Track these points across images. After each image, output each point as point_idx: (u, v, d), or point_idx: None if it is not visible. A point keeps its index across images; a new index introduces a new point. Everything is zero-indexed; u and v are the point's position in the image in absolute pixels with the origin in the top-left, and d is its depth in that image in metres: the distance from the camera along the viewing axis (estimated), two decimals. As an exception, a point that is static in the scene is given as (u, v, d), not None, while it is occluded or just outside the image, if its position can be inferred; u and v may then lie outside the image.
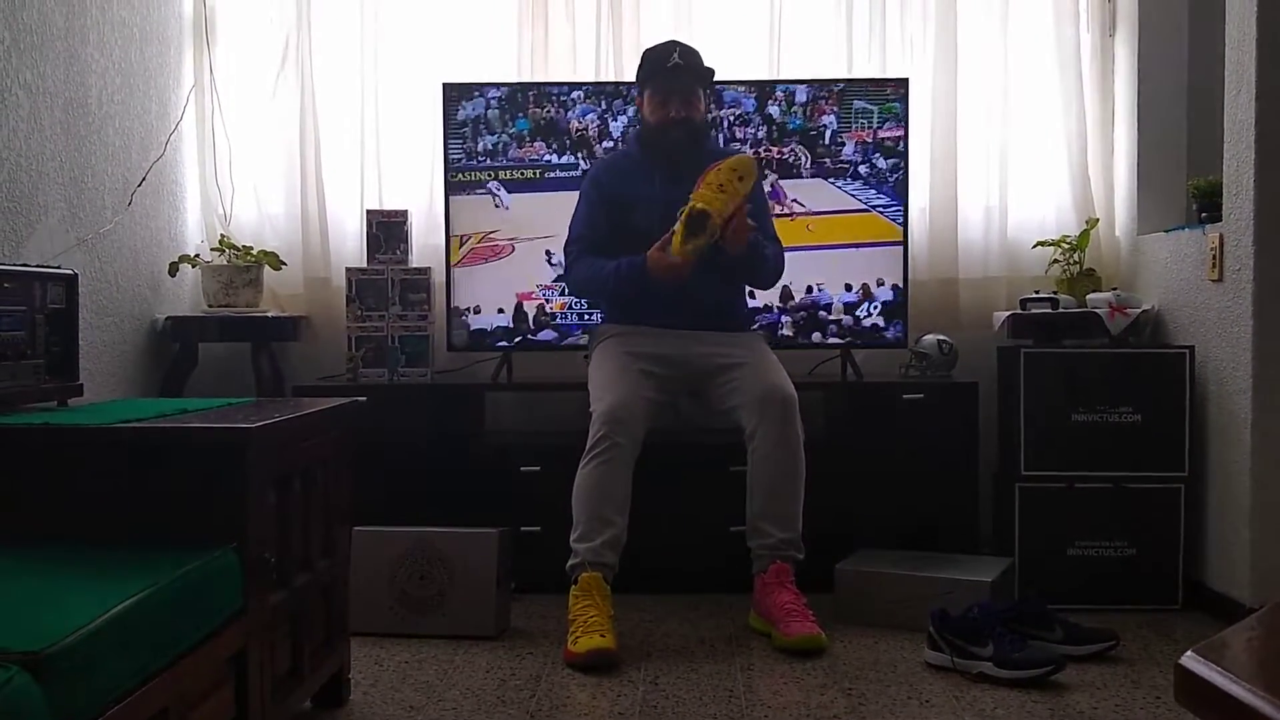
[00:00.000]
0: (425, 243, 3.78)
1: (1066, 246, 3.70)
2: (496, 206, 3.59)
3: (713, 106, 3.51)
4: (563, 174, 3.56)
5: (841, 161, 3.60)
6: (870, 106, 3.59)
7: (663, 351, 3.14)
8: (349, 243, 3.86)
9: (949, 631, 2.69)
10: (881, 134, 3.58)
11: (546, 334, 3.62)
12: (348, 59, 3.85)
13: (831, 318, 3.62)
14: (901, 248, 3.59)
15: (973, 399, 3.45)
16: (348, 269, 3.67)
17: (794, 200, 3.59)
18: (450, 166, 3.59)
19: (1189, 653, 1.32)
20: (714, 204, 2.91)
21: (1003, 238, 3.82)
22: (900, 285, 3.59)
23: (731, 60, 3.70)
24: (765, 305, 3.59)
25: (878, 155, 3.59)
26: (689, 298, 3.12)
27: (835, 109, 3.58)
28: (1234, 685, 1.23)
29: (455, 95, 3.59)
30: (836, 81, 3.62)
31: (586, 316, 3.59)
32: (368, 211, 3.73)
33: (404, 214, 3.68)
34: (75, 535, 1.92)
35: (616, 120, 3.57)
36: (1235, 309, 3.03)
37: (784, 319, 3.63)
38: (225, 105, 3.83)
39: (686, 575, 3.38)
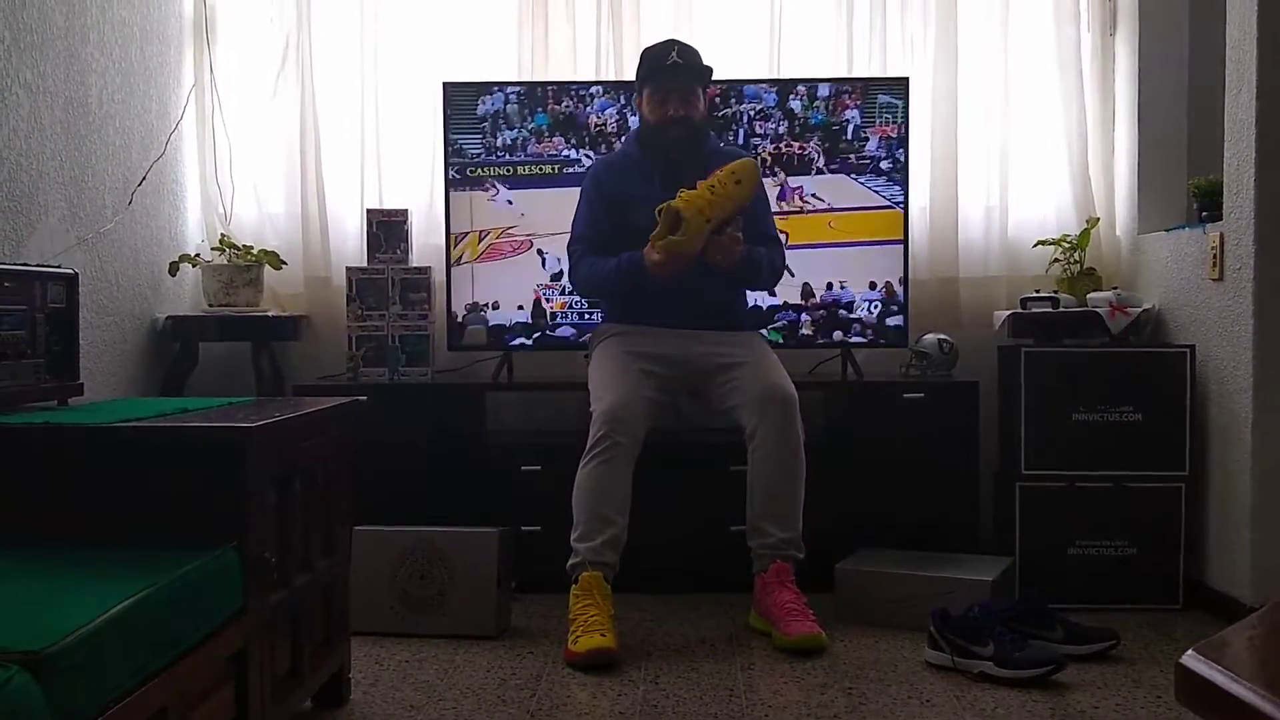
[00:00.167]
0: (425, 242, 3.78)
1: (1067, 246, 3.70)
2: (509, 203, 3.59)
3: (733, 102, 3.51)
4: (580, 170, 3.55)
5: (864, 157, 3.59)
6: (895, 101, 3.59)
7: (663, 351, 3.14)
8: (349, 242, 3.86)
9: (950, 631, 2.69)
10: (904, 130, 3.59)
11: (565, 330, 3.61)
12: (348, 58, 3.85)
13: (854, 316, 3.61)
14: (901, 246, 3.59)
15: (973, 398, 3.45)
16: (348, 268, 3.67)
17: (812, 195, 3.58)
18: (466, 162, 3.58)
19: (1190, 652, 1.32)
20: (694, 203, 2.92)
21: (1003, 237, 3.81)
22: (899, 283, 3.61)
23: (732, 59, 3.70)
24: (784, 303, 3.59)
25: (900, 150, 3.59)
26: (689, 297, 3.12)
27: (859, 103, 3.58)
28: (1235, 684, 1.23)
29: (473, 92, 3.59)
30: (845, 81, 3.63)
31: (587, 316, 3.59)
32: (368, 211, 3.73)
33: (404, 213, 3.68)
34: (75, 535, 1.92)
35: (635, 115, 3.57)
36: (1236, 308, 3.03)
37: (804, 317, 3.62)
38: (225, 104, 3.83)
39: (687, 575, 3.38)
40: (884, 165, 3.59)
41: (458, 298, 3.63)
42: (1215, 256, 3.11)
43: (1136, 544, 3.25)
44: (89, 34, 3.16)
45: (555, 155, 3.59)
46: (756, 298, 3.53)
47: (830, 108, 3.59)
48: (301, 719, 2.39)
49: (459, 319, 3.63)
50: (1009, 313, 3.56)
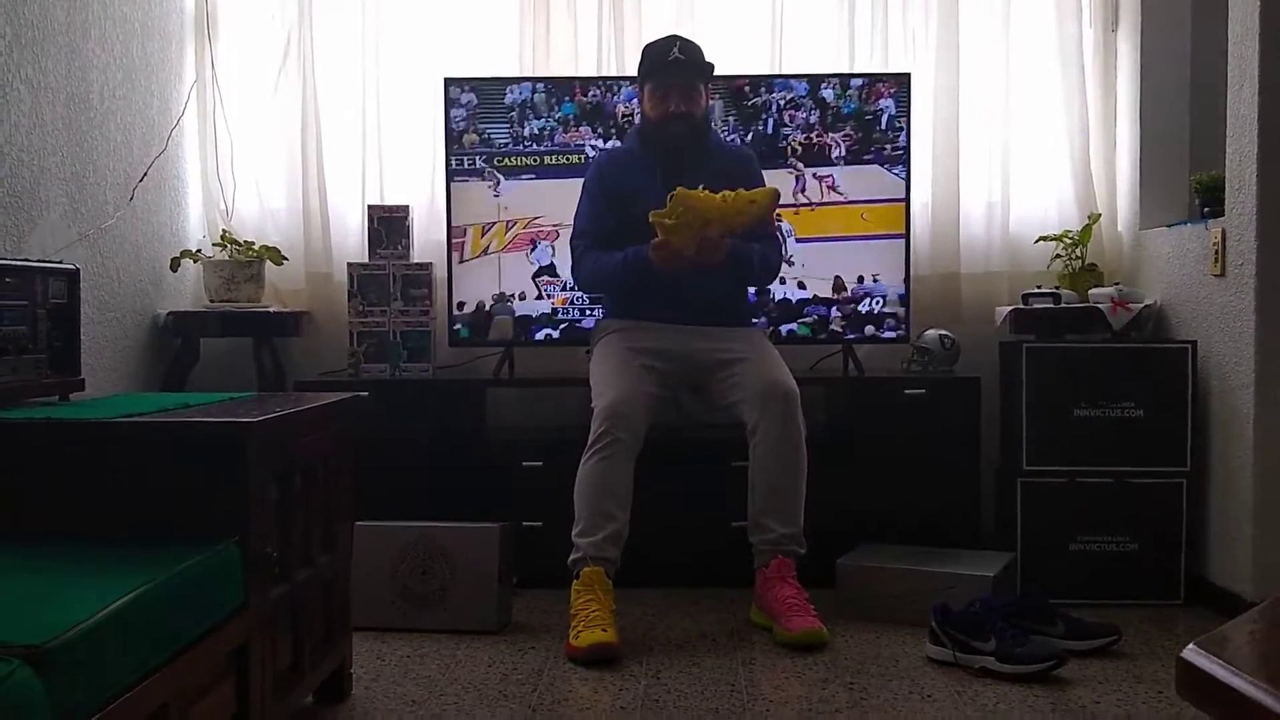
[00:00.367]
0: (427, 238, 3.77)
1: (1069, 241, 3.70)
2: (500, 195, 3.59)
3: (762, 91, 3.55)
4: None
5: (899, 148, 3.59)
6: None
7: (664, 347, 3.14)
8: (350, 238, 3.85)
9: (951, 626, 2.69)
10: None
11: (589, 322, 3.61)
12: (349, 54, 3.85)
13: (888, 310, 3.60)
14: (904, 240, 3.59)
15: (975, 394, 3.45)
16: (349, 264, 3.67)
17: (833, 188, 3.58)
18: (466, 151, 3.58)
19: (1191, 646, 1.31)
20: (699, 200, 2.91)
21: (1005, 233, 3.81)
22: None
23: (733, 55, 3.70)
24: (814, 296, 3.59)
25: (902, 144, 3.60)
26: (690, 293, 3.13)
27: (894, 91, 3.58)
28: (1236, 678, 1.22)
29: (494, 88, 3.59)
30: (845, 76, 3.63)
31: (588, 311, 3.58)
32: (369, 206, 3.73)
33: (405, 209, 3.68)
34: (76, 530, 1.92)
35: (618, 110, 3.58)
36: (1237, 304, 3.03)
37: (834, 312, 3.61)
38: (227, 100, 3.83)
39: (688, 570, 3.38)
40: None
41: (482, 288, 3.61)
42: (1217, 252, 3.11)
43: (1138, 539, 3.25)
44: (90, 30, 3.15)
45: (569, 147, 3.58)
46: (785, 291, 3.53)
47: (864, 96, 3.58)
48: (303, 714, 2.39)
49: (486, 308, 3.61)
50: (1010, 308, 3.56)
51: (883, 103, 3.58)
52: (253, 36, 3.86)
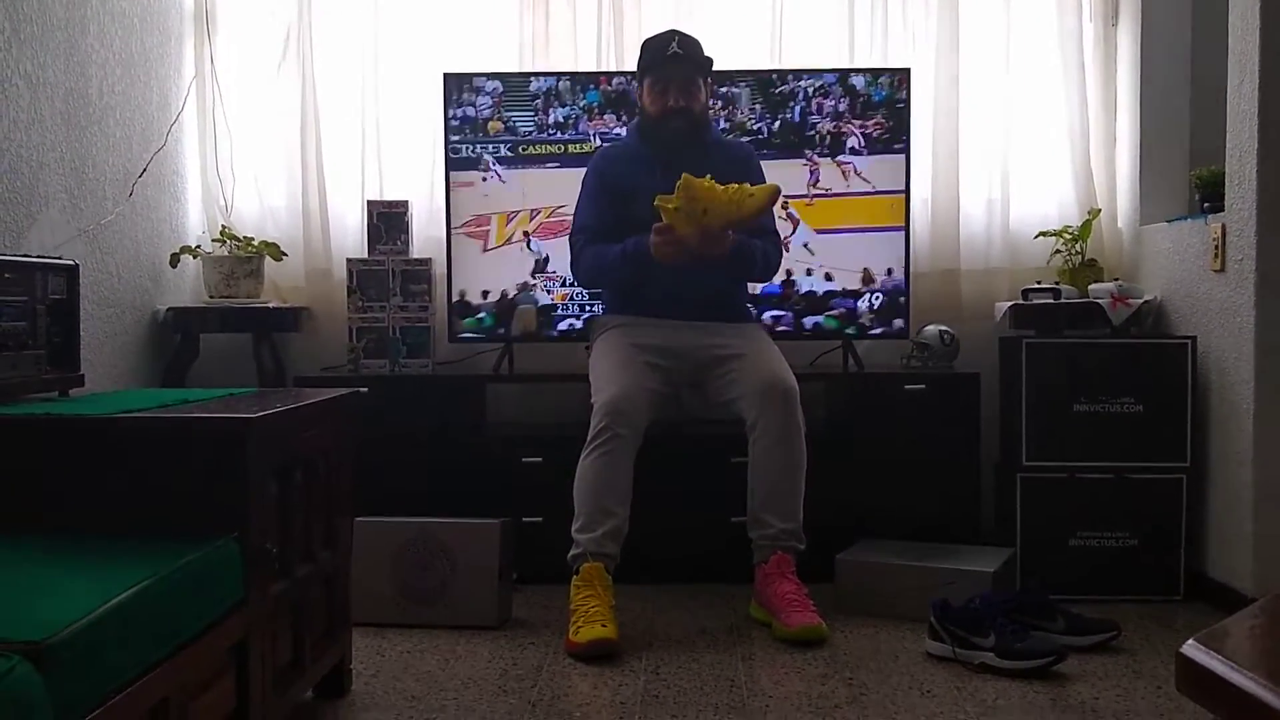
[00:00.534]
0: (426, 234, 3.77)
1: (1068, 237, 3.70)
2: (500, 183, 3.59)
3: (790, 79, 3.56)
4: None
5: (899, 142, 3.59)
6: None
7: (665, 342, 3.14)
8: (350, 234, 3.85)
9: (950, 622, 2.69)
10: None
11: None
12: (348, 50, 3.85)
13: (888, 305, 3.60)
14: (904, 234, 3.59)
15: (974, 390, 3.45)
16: (349, 260, 3.67)
17: (861, 177, 3.58)
18: (464, 140, 3.58)
19: (1190, 641, 1.31)
20: (698, 185, 2.90)
21: (1005, 228, 3.81)
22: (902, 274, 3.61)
23: (733, 50, 3.69)
24: (843, 289, 3.59)
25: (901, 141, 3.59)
26: (690, 288, 3.12)
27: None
28: (1235, 674, 1.22)
29: (520, 81, 3.60)
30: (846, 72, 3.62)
31: (587, 307, 3.58)
32: (368, 202, 3.73)
33: (404, 204, 3.68)
34: (76, 525, 1.92)
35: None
36: (1237, 299, 3.03)
37: (859, 305, 3.60)
38: (226, 96, 3.83)
39: (688, 565, 3.38)
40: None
41: (506, 276, 3.60)
42: (1217, 248, 3.11)
43: (1137, 535, 3.25)
44: (89, 25, 3.15)
45: (566, 137, 3.58)
46: (811, 283, 3.54)
47: (895, 83, 3.58)
48: (303, 709, 2.39)
49: (509, 296, 3.61)
50: (1010, 304, 3.56)
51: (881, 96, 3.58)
52: (252, 31, 3.86)
